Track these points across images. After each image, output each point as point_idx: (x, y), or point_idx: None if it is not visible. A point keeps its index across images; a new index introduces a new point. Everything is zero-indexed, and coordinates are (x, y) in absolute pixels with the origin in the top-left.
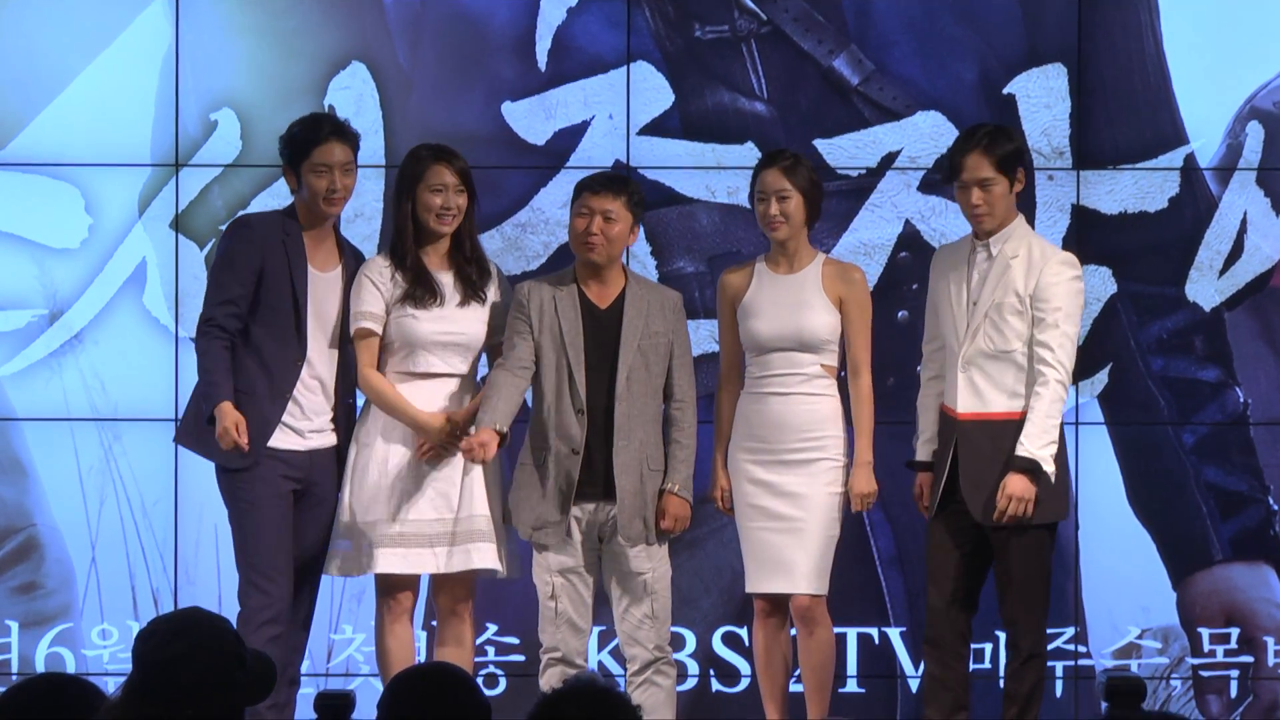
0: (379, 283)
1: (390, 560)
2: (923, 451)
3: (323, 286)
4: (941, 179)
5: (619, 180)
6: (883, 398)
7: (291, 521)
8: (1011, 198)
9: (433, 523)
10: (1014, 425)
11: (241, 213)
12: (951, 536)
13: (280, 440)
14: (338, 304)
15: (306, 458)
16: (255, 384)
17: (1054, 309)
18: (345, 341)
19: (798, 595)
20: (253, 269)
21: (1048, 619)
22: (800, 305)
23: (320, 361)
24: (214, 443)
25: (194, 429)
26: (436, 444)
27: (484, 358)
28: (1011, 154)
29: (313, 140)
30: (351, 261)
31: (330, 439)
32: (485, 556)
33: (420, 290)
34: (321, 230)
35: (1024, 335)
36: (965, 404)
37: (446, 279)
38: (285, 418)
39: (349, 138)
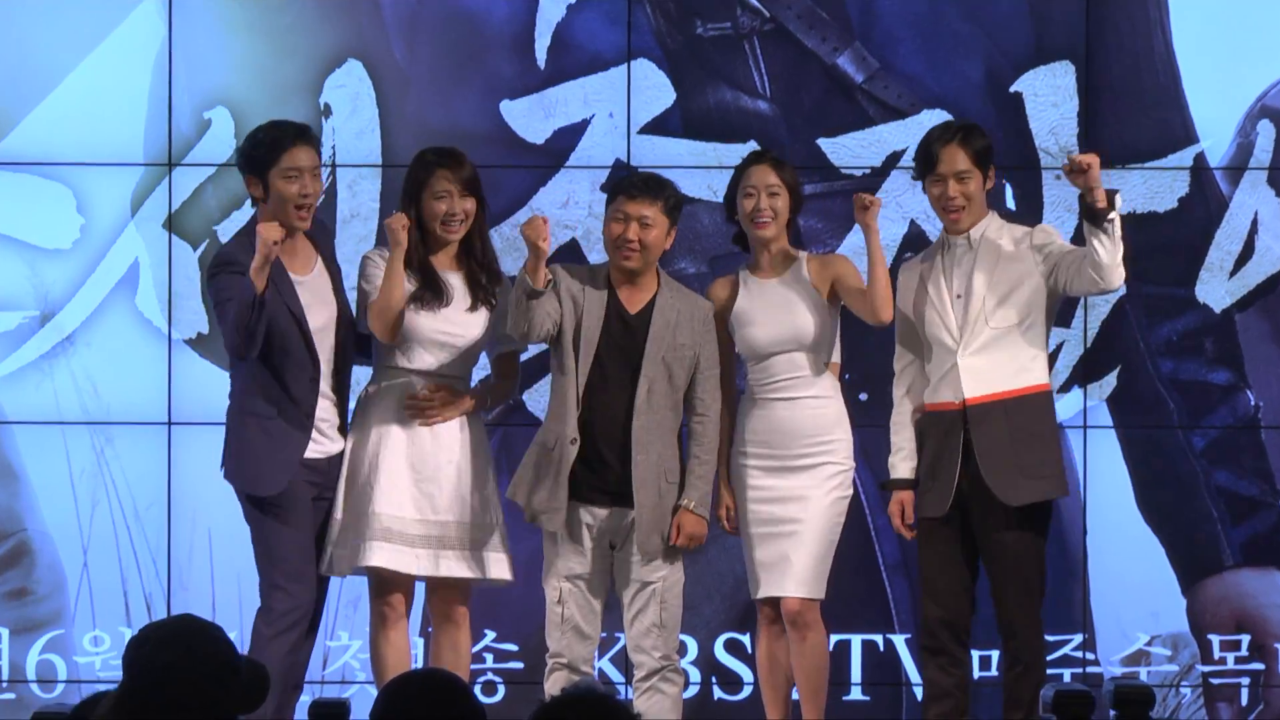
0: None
1: (379, 554)
2: (903, 469)
3: (310, 291)
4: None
5: (656, 183)
6: (885, 404)
7: (316, 527)
8: (983, 195)
9: (416, 523)
10: (1024, 400)
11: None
12: (950, 545)
13: (309, 449)
14: (330, 301)
15: (326, 463)
16: (281, 409)
17: (1060, 244)
18: (344, 344)
19: (788, 598)
20: None
21: (1047, 625)
22: (793, 306)
23: (330, 367)
24: (253, 475)
25: (234, 459)
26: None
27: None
28: (985, 149)
29: (280, 145)
30: (325, 243)
31: (340, 443)
32: (470, 565)
33: (428, 293)
34: (292, 238)
35: (1031, 304)
36: (971, 389)
37: (456, 280)
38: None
39: (315, 142)
